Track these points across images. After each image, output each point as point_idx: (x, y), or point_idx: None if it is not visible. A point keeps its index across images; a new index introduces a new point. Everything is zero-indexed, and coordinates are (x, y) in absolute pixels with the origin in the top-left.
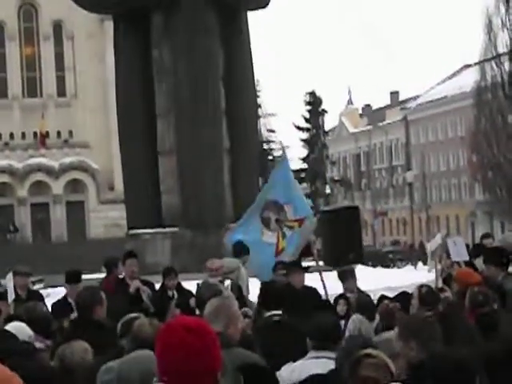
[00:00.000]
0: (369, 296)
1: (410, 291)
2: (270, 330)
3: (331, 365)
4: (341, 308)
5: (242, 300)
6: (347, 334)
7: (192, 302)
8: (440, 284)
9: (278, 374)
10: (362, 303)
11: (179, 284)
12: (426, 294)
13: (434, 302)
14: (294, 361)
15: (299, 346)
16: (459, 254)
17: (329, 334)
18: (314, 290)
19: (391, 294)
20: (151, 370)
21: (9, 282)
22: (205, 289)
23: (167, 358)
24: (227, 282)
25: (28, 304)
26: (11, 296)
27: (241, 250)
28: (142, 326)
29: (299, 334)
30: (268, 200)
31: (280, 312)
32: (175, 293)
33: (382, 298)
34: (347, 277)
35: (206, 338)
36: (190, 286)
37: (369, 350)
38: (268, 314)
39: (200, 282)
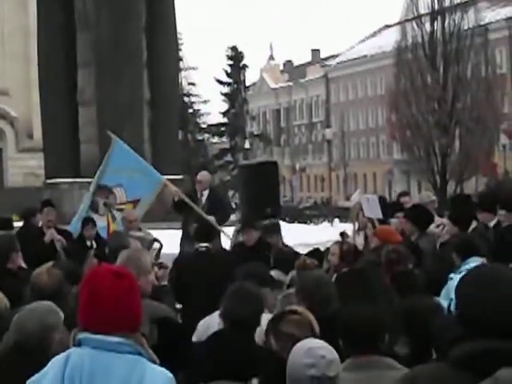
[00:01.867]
0: (292, 251)
1: (324, 248)
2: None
3: None
4: None
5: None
6: None
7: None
8: (360, 241)
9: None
10: (279, 258)
11: (97, 234)
12: (348, 250)
13: (355, 259)
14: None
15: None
16: (373, 211)
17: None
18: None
19: (306, 250)
20: (49, 322)
21: None
22: (114, 239)
23: (97, 302)
24: (139, 233)
25: None
26: None
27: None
28: (39, 275)
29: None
30: (98, 185)
31: (207, 244)
32: (93, 243)
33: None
34: (271, 231)
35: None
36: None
37: (293, 307)
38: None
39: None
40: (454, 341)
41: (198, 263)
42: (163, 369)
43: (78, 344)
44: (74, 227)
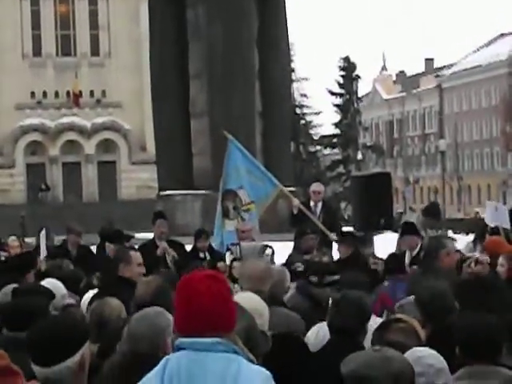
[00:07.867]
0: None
1: None
2: None
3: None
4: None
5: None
6: None
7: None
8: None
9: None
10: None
11: (210, 246)
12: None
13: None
14: None
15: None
16: (499, 219)
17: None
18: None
19: None
20: (160, 325)
21: (42, 238)
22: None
23: (194, 305)
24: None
25: (55, 261)
26: (43, 253)
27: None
28: (139, 286)
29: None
30: (225, 190)
31: None
32: (207, 254)
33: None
34: (366, 243)
35: (226, 284)
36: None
37: (399, 315)
38: None
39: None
40: None
41: None
42: (260, 367)
43: (177, 349)
44: (217, 242)
